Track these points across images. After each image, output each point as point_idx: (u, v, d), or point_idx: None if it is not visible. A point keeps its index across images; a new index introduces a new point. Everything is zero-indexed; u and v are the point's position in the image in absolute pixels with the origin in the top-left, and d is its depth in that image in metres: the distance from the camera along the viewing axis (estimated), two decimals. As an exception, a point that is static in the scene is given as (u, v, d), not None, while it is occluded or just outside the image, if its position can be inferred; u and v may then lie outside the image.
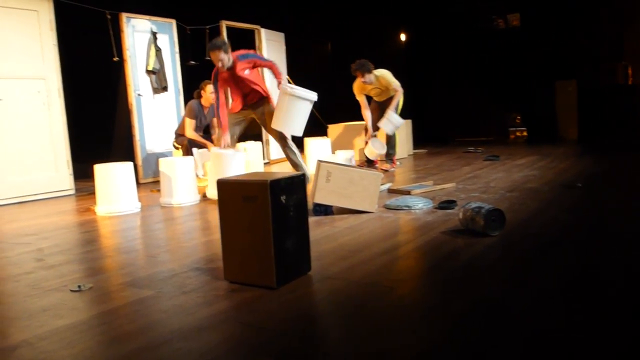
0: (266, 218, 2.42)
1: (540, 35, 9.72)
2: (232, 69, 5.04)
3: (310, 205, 3.97)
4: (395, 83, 6.64)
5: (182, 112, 7.15)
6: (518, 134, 10.35)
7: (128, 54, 6.91)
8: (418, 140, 9.41)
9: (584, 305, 2.08)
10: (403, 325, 2.01)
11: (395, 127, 6.59)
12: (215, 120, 6.44)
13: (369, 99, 6.91)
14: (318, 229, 3.69)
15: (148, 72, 7.16)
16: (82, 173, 6.70)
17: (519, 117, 10.45)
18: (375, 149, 6.62)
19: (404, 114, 6.99)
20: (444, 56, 10.90)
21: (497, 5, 10.22)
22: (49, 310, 2.33)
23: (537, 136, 9.84)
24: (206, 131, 6.59)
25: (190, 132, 6.13)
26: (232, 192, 2.54)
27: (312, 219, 3.91)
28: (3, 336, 2.09)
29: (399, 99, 6.67)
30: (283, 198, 2.48)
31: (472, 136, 10.75)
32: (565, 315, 2.00)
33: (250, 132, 8.96)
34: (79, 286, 2.63)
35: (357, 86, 6.72)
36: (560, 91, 9.60)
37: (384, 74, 6.68)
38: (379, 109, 6.81)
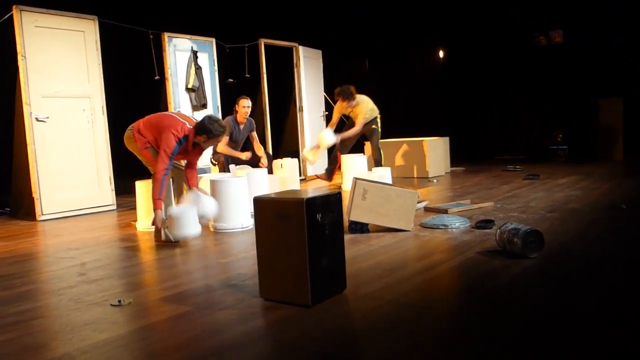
0: (302, 236, 2.45)
1: (583, 52, 9.55)
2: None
3: (346, 223, 3.99)
4: (366, 115, 7.10)
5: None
6: (559, 152, 10.15)
7: (169, 72, 7.10)
8: (455, 157, 9.34)
9: (628, 332, 2.03)
10: (438, 347, 1.99)
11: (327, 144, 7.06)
12: (254, 134, 6.53)
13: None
14: (354, 246, 3.70)
15: (188, 89, 7.34)
16: (123, 189, 6.88)
17: (560, 136, 10.25)
18: (327, 138, 7.00)
19: (438, 130, 7.00)
20: (483, 73, 10.82)
21: (539, 22, 10.10)
22: (91, 324, 2.40)
23: (578, 155, 9.63)
24: (246, 148, 6.65)
25: (222, 147, 6.18)
26: (268, 210, 2.57)
27: (347, 237, 3.92)
28: (47, 349, 2.16)
29: (355, 131, 7.16)
30: (319, 216, 2.51)
31: (511, 154, 10.60)
32: (608, 342, 1.96)
33: (287, 149, 9.07)
34: (119, 301, 2.70)
35: (337, 108, 7.26)
36: (605, 109, 9.36)
37: (362, 102, 7.13)
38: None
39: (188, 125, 4.28)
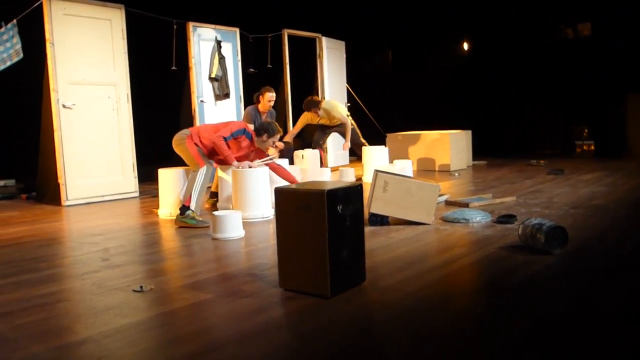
0: (322, 227, 2.45)
1: (612, 46, 9.35)
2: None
3: (366, 215, 3.99)
4: (341, 116, 7.36)
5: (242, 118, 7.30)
6: (585, 147, 9.99)
7: (193, 61, 7.14)
8: (477, 151, 9.24)
9: (650, 331, 2.00)
10: (456, 342, 1.99)
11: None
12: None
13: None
14: (373, 239, 3.69)
15: (211, 79, 7.38)
16: (145, 176, 6.95)
17: (586, 130, 10.07)
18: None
19: (460, 123, 6.94)
20: (508, 65, 10.66)
21: (566, 15, 9.91)
22: (113, 309, 2.44)
23: (604, 151, 9.45)
24: None
25: None
26: (289, 201, 2.58)
27: (367, 229, 3.92)
28: (71, 332, 2.20)
29: (349, 129, 7.45)
30: (340, 208, 2.50)
31: (535, 148, 10.45)
32: (629, 341, 1.93)
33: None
34: (141, 287, 2.74)
35: (305, 117, 7.51)
36: (634, 104, 9.17)
37: (331, 107, 7.36)
38: (321, 131, 7.70)
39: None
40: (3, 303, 2.59)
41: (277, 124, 5.09)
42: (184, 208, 4.49)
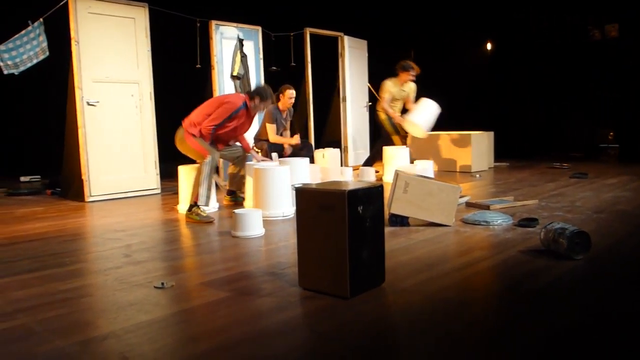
0: (342, 228, 2.46)
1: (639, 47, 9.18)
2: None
3: (386, 216, 3.99)
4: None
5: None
6: (610, 151, 9.83)
7: (215, 60, 7.19)
8: (499, 152, 9.17)
9: (674, 340, 1.97)
10: (473, 346, 1.98)
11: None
12: (290, 123, 6.60)
13: None
14: (393, 240, 3.69)
15: (233, 77, 7.42)
16: (166, 173, 7.03)
17: (612, 134, 9.92)
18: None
19: (483, 124, 6.89)
20: (531, 67, 10.55)
21: (593, 16, 9.76)
22: (135, 305, 2.49)
23: (630, 155, 9.29)
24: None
25: (273, 137, 6.28)
26: (309, 200, 2.60)
27: (387, 230, 3.92)
28: (94, 326, 2.25)
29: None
30: (360, 208, 2.51)
31: (558, 151, 10.33)
32: (653, 348, 1.91)
33: (329, 139, 9.09)
34: (162, 283, 2.78)
35: (389, 86, 7.41)
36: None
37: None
38: (384, 141, 7.54)
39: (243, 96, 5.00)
40: (29, 297, 2.65)
41: (272, 93, 5.10)
42: (192, 204, 4.62)
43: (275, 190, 4.73)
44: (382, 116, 7.48)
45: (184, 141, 4.82)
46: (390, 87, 7.34)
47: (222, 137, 5.00)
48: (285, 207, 4.75)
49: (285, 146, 6.32)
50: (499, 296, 2.61)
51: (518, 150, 10.33)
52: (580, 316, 2.25)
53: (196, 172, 4.74)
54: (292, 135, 6.52)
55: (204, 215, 4.55)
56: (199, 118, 4.83)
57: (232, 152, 5.32)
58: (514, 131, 10.61)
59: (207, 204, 4.72)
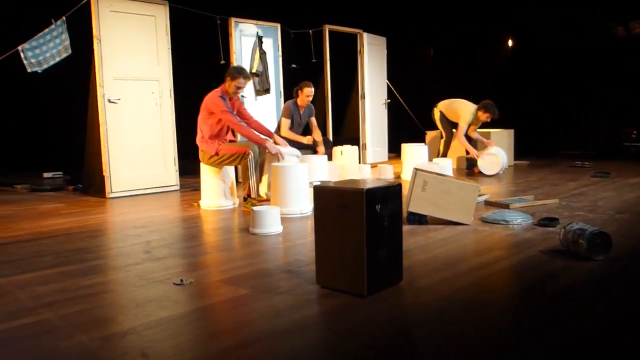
0: (360, 226, 2.47)
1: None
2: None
3: (404, 214, 3.98)
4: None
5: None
6: (633, 150, 9.68)
7: (235, 56, 7.23)
8: (520, 151, 9.07)
9: (696, 343, 1.94)
10: (490, 347, 1.98)
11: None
12: (313, 120, 6.56)
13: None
14: (411, 238, 3.69)
15: (252, 74, 7.45)
16: (186, 170, 7.09)
17: (635, 132, 9.76)
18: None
19: (503, 122, 6.86)
20: (552, 64, 10.41)
21: (617, 12, 9.59)
22: (155, 301, 2.52)
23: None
24: (305, 132, 6.69)
25: (285, 131, 6.26)
26: (328, 199, 2.61)
27: (405, 228, 3.92)
28: (114, 322, 2.29)
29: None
30: (378, 207, 2.52)
31: (580, 149, 10.19)
32: (674, 352, 1.89)
33: (348, 137, 9.09)
34: (182, 280, 2.82)
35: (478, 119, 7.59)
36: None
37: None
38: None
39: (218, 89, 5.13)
40: (52, 292, 2.71)
41: (244, 69, 5.16)
42: (246, 197, 5.02)
43: (293, 188, 4.75)
44: (437, 115, 7.75)
45: (214, 155, 5.10)
46: (470, 116, 7.46)
47: (221, 132, 5.16)
48: (303, 205, 4.77)
49: (304, 142, 6.27)
50: (517, 297, 2.60)
51: (539, 149, 10.21)
52: (600, 319, 2.23)
53: (242, 168, 5.02)
54: (307, 135, 6.48)
55: (257, 203, 4.83)
56: (205, 131, 5.09)
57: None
58: (534, 129, 10.49)
59: (257, 195, 5.04)
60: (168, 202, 5.74)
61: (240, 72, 5.08)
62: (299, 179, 4.77)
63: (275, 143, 5.51)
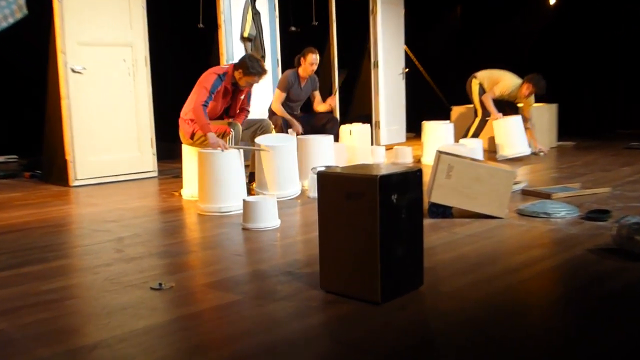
0: (373, 220, 2.46)
1: None
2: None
3: (425, 205, 3.98)
4: None
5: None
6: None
7: (222, 18, 7.18)
8: (564, 129, 9.03)
9: None
10: (532, 363, 1.98)
11: None
12: (317, 94, 6.52)
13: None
14: (434, 234, 3.69)
15: (243, 39, 7.41)
16: (166, 154, 7.10)
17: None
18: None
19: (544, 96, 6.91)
20: (604, 29, 10.31)
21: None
22: (128, 309, 2.53)
23: None
24: (304, 108, 6.66)
25: (276, 105, 6.20)
26: (334, 187, 2.60)
27: (426, 222, 3.90)
28: (81, 334, 2.30)
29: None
30: (394, 197, 2.51)
31: (636, 128, 10.14)
32: None
33: (358, 113, 9.06)
34: (160, 284, 2.82)
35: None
36: None
37: None
38: None
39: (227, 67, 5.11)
40: (7, 298, 2.72)
41: (265, 70, 5.05)
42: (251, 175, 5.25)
43: (281, 170, 4.95)
44: (475, 88, 7.70)
45: (182, 132, 5.10)
46: (510, 89, 7.47)
47: (214, 113, 5.14)
48: (292, 187, 5.04)
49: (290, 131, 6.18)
50: (561, 303, 2.60)
51: (587, 128, 10.15)
52: (659, 329, 2.23)
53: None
54: (308, 111, 6.46)
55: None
56: (191, 105, 5.03)
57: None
58: (582, 105, 10.42)
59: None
60: (144, 191, 5.75)
61: (259, 71, 4.97)
62: (282, 161, 4.98)
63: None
